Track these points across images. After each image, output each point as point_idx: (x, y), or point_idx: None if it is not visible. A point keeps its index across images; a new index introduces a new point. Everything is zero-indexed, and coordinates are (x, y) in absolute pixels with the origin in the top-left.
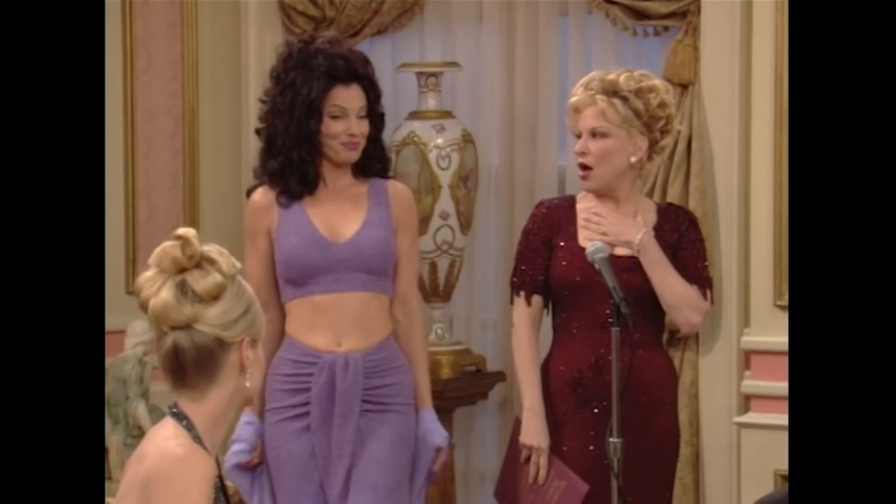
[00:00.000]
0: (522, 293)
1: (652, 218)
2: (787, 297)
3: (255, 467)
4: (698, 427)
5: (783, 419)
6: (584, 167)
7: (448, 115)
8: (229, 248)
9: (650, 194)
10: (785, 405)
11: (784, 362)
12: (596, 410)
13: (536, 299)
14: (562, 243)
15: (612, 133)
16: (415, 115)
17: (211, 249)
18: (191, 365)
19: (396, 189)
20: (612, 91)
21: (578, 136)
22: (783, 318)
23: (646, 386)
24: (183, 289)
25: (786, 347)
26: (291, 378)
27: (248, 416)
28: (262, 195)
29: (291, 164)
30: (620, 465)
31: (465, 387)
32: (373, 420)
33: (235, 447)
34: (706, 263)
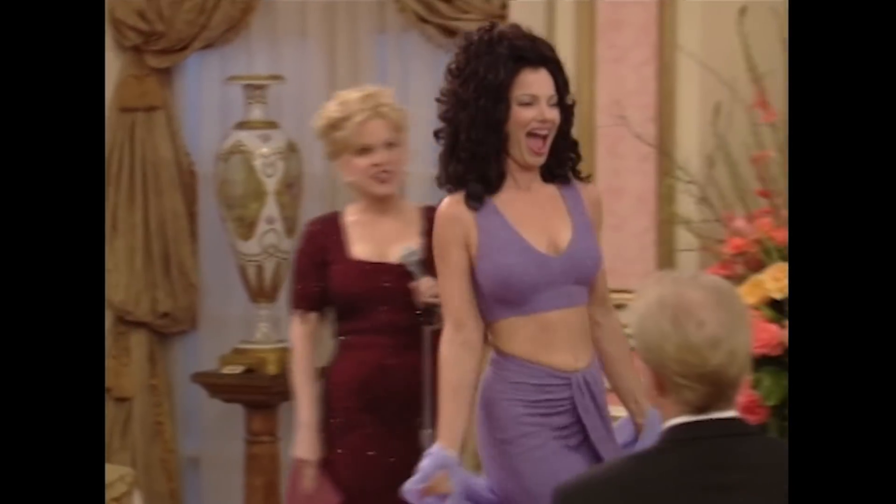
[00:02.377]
0: (298, 312)
1: (418, 223)
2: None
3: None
4: None
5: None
6: (388, 174)
7: (273, 125)
8: None
9: None
10: (612, 398)
11: None
12: (381, 415)
13: (312, 316)
14: (337, 259)
15: (402, 142)
16: (241, 125)
17: None
18: None
19: (588, 190)
20: (388, 104)
21: (363, 151)
22: None
23: (410, 380)
24: None
25: None
26: (542, 403)
27: (435, 447)
28: (452, 206)
29: (476, 158)
30: None
31: (290, 383)
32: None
33: (414, 477)
34: None
